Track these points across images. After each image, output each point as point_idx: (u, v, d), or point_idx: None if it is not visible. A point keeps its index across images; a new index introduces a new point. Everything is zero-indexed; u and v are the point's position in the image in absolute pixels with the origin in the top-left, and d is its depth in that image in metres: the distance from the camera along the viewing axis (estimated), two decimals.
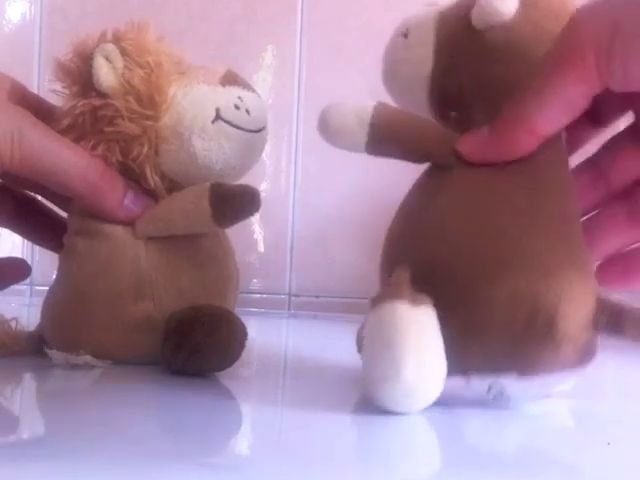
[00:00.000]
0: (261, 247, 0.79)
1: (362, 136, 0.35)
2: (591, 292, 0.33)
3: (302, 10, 0.80)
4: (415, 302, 0.31)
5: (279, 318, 0.75)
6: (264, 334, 0.64)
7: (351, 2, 0.78)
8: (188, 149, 0.41)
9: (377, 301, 0.32)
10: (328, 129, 0.35)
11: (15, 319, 0.45)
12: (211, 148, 0.41)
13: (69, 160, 0.40)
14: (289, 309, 0.78)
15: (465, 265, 0.32)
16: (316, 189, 0.79)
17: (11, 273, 0.48)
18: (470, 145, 0.34)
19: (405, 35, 0.38)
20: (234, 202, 0.40)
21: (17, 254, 0.80)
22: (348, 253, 0.78)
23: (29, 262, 0.50)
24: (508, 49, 0.35)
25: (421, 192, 0.37)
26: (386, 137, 0.35)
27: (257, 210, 0.41)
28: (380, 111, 0.35)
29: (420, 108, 0.38)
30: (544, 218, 0.33)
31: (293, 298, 0.79)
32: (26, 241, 0.54)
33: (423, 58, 0.36)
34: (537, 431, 0.33)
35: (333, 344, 0.62)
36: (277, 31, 0.80)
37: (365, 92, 0.79)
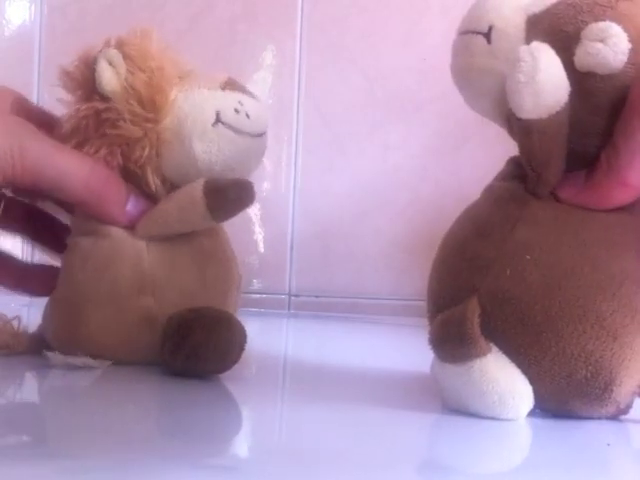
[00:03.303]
0: (261, 247, 0.79)
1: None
2: None
3: (302, 10, 0.79)
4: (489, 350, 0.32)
5: (279, 318, 0.75)
6: (264, 334, 0.64)
7: (351, 2, 0.78)
8: (188, 151, 0.41)
9: (460, 358, 0.32)
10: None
11: (17, 317, 0.45)
12: (211, 151, 0.41)
13: (71, 168, 0.40)
14: (289, 309, 0.78)
15: (538, 310, 0.32)
16: (316, 189, 0.79)
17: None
18: (569, 191, 0.34)
19: (487, 36, 0.34)
20: (228, 193, 0.41)
21: (17, 253, 0.79)
22: (348, 253, 0.78)
23: (29, 262, 0.50)
24: (610, 101, 0.32)
25: (489, 219, 0.35)
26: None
27: (252, 202, 0.41)
28: None
29: (492, 116, 0.36)
30: (619, 277, 0.32)
31: (293, 298, 0.79)
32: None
33: None
34: (538, 432, 0.33)
35: (333, 344, 0.62)
36: (277, 31, 0.80)
37: (365, 92, 0.80)
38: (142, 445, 0.28)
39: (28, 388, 0.40)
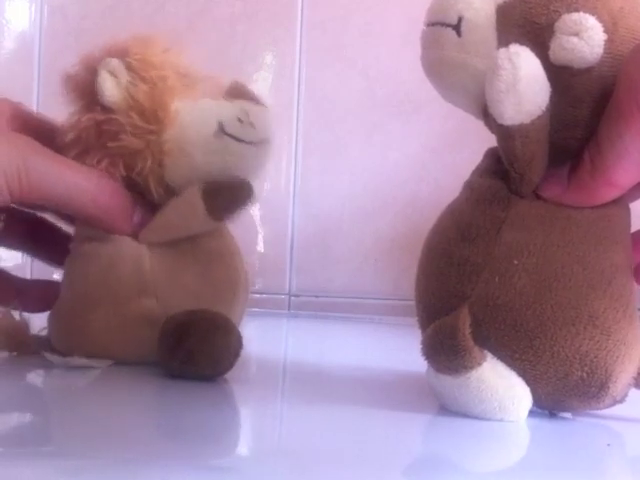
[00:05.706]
0: (261, 247, 0.79)
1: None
2: (639, 352, 0.33)
3: (302, 10, 0.79)
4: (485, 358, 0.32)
5: (279, 318, 0.75)
6: (264, 334, 0.64)
7: (351, 2, 0.78)
8: (191, 163, 0.41)
9: (455, 369, 0.32)
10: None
11: (25, 322, 0.45)
12: (214, 162, 0.41)
13: (78, 184, 0.39)
14: (289, 309, 0.78)
15: (530, 316, 0.31)
16: (316, 189, 0.79)
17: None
18: (553, 190, 0.33)
19: (456, 28, 0.33)
20: (226, 193, 0.41)
21: (16, 253, 0.79)
22: (348, 253, 0.78)
23: (26, 278, 0.49)
24: (588, 92, 0.32)
25: (473, 221, 0.34)
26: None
27: (251, 200, 0.41)
28: None
29: (467, 109, 0.35)
30: (609, 272, 0.32)
31: (293, 298, 0.79)
32: None
33: (483, 73, 0.32)
34: (537, 431, 0.33)
35: (333, 344, 0.62)
36: (277, 31, 0.80)
37: (365, 92, 0.80)
38: (142, 445, 0.28)
39: (28, 388, 0.40)
